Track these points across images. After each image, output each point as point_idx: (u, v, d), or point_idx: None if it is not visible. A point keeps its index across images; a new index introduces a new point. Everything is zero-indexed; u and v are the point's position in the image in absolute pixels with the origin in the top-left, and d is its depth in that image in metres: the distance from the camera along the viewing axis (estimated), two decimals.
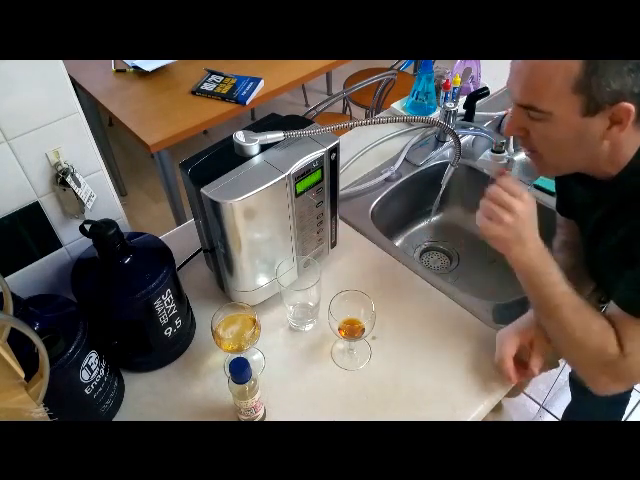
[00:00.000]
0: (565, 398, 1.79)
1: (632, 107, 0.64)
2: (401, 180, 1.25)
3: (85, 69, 2.07)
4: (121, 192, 2.73)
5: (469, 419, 0.81)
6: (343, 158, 1.28)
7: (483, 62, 1.48)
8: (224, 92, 1.92)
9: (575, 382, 1.42)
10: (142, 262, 0.81)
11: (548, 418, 1.77)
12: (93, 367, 0.76)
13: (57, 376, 0.67)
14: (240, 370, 0.73)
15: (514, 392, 1.73)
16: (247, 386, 0.75)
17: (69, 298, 0.79)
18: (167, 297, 0.82)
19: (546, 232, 1.18)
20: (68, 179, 0.82)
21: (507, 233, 0.76)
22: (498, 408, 1.75)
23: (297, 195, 0.86)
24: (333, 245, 1.05)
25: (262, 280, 0.93)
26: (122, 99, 1.96)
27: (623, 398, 1.38)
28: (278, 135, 0.84)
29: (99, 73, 2.09)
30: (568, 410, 1.54)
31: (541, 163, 0.78)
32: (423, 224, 1.35)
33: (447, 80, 1.31)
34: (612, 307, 0.74)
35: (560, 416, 1.76)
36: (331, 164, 0.89)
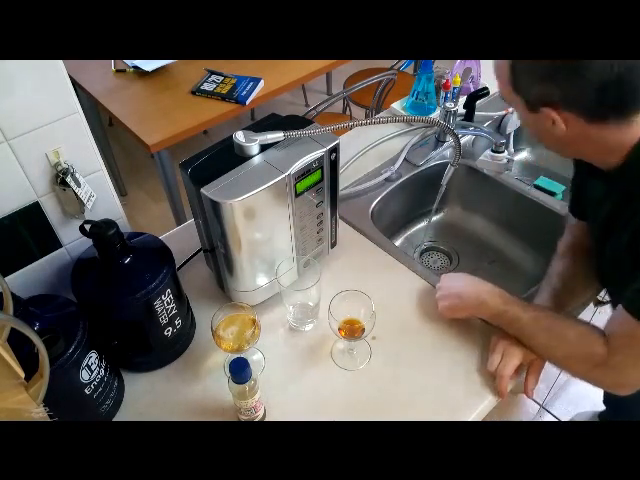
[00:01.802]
0: (565, 398, 1.79)
1: (553, 113, 0.67)
2: (401, 180, 1.25)
3: (85, 69, 2.07)
4: (121, 192, 2.73)
5: (469, 419, 0.81)
6: (343, 158, 1.28)
7: (483, 62, 1.48)
8: (224, 92, 1.92)
9: None
10: (142, 262, 0.81)
11: (548, 418, 1.77)
12: (93, 367, 0.76)
13: (57, 376, 0.67)
14: (240, 370, 0.73)
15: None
16: (247, 386, 0.75)
17: (69, 298, 0.79)
18: (167, 297, 0.82)
19: (546, 232, 1.18)
20: (68, 179, 0.82)
21: (446, 301, 0.91)
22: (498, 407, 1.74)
23: (297, 195, 0.86)
24: (333, 245, 1.05)
25: (262, 280, 0.93)
26: (122, 99, 1.96)
27: None
28: (278, 135, 0.84)
29: (99, 73, 2.09)
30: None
31: None
32: (423, 224, 1.35)
33: (447, 80, 1.31)
34: (618, 310, 0.74)
35: (560, 416, 1.76)
36: (331, 164, 0.89)
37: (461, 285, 0.91)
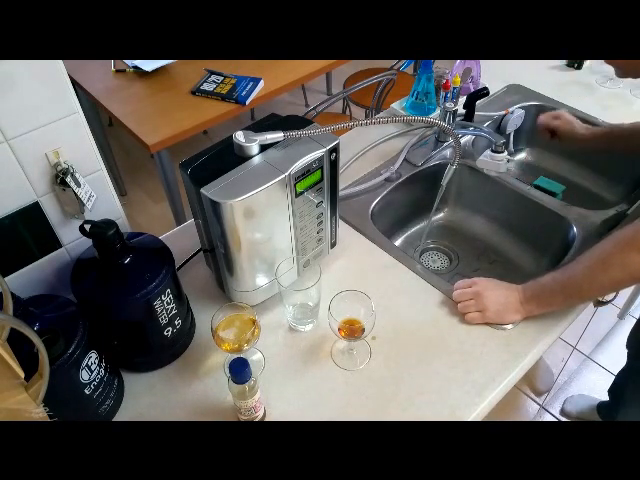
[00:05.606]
0: (565, 399, 1.79)
1: None
2: (401, 180, 1.25)
3: (85, 69, 2.08)
4: (121, 192, 2.74)
5: (469, 419, 0.81)
6: (343, 158, 1.28)
7: (483, 62, 1.48)
8: (224, 92, 1.93)
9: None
10: (142, 262, 0.81)
11: (548, 418, 1.77)
12: (93, 367, 0.76)
13: (57, 376, 0.67)
14: (240, 370, 0.73)
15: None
16: (247, 386, 0.75)
17: (69, 298, 0.79)
18: (167, 297, 0.82)
19: (546, 232, 1.19)
20: (68, 179, 0.82)
21: (488, 312, 0.91)
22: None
23: (297, 195, 0.86)
24: (333, 245, 1.05)
25: (262, 280, 0.93)
26: (122, 99, 1.97)
27: None
28: (278, 135, 0.84)
29: (99, 73, 2.09)
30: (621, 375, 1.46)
31: None
32: (423, 224, 1.35)
33: (447, 80, 1.31)
34: None
35: (560, 416, 1.76)
36: (331, 164, 0.89)
37: (492, 302, 0.92)
